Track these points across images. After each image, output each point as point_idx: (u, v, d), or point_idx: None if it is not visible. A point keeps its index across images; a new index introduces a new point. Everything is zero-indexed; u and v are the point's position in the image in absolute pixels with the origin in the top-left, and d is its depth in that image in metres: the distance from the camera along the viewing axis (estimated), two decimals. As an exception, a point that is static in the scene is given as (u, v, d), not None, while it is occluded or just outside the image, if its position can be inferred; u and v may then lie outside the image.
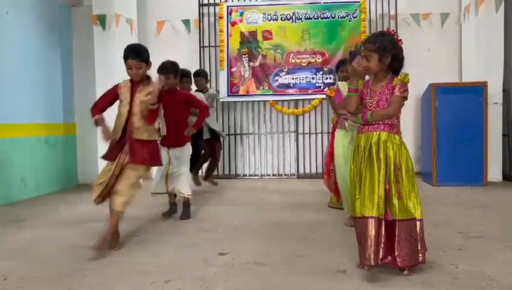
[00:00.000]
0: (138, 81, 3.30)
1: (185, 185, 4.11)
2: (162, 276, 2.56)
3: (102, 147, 6.09)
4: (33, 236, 3.67)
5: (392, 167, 2.49)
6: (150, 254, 3.05)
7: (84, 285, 2.47)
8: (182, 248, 3.20)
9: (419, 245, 2.47)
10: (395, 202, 2.47)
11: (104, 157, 3.32)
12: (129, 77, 3.34)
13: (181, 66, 4.45)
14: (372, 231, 2.41)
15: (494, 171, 6.21)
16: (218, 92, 7.23)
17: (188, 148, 4.23)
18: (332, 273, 2.57)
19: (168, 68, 4.04)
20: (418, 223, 2.50)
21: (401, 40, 2.61)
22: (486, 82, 5.98)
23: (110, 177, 3.22)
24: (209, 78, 6.48)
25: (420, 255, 2.48)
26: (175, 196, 4.30)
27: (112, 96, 3.37)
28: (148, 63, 3.30)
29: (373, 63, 2.55)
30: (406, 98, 2.57)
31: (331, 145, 4.37)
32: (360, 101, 2.69)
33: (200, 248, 3.16)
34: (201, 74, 5.71)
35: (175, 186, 4.10)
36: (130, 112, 3.26)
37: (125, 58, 3.26)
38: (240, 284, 2.40)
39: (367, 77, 2.80)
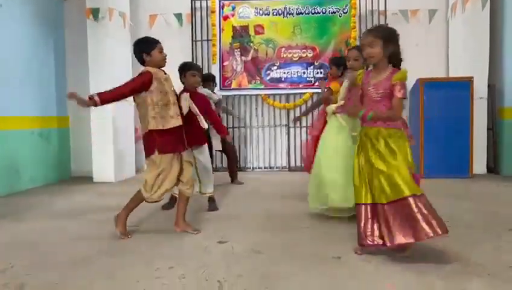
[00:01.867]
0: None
1: (208, 184, 4.24)
2: (164, 263, 2.67)
3: (97, 140, 6.27)
4: (33, 227, 3.74)
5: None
6: (150, 244, 3.14)
7: (89, 273, 2.56)
8: (181, 237, 3.30)
9: None
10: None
11: (168, 150, 3.29)
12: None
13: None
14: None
15: (479, 164, 6.42)
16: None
17: (206, 147, 4.25)
18: (328, 259, 2.70)
19: (200, 67, 4.27)
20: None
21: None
22: (472, 77, 6.16)
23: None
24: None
25: None
26: None
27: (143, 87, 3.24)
28: None
29: (377, 50, 2.68)
30: (405, 97, 2.70)
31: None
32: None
33: (198, 237, 3.27)
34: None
35: (200, 186, 4.24)
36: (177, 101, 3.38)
37: (156, 42, 3.30)
38: (241, 271, 2.52)
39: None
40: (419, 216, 2.52)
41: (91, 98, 3.05)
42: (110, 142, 6.35)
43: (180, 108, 3.46)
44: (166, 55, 3.34)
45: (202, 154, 4.14)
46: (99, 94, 3.07)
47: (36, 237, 3.41)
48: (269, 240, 3.18)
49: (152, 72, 3.22)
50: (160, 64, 3.32)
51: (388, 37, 2.70)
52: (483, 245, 2.95)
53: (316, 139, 4.24)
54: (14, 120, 5.60)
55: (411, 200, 2.55)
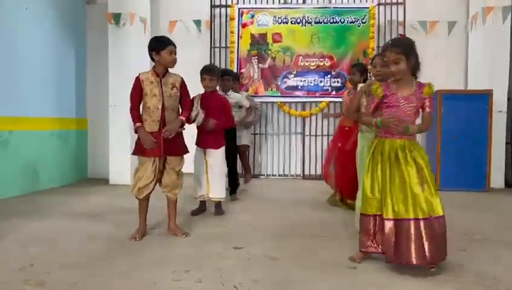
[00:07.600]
0: (163, 73, 3.37)
1: (215, 189, 4.23)
2: (181, 267, 2.69)
3: (115, 143, 6.35)
4: (51, 227, 3.80)
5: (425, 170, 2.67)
6: (166, 247, 3.18)
7: (107, 273, 2.60)
8: (197, 242, 3.33)
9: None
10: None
11: (145, 153, 3.37)
12: (145, 70, 3.43)
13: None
14: (412, 231, 2.58)
15: (497, 177, 6.34)
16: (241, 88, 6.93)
17: (222, 151, 4.27)
18: (343, 268, 2.70)
19: (213, 70, 4.25)
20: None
21: None
22: (492, 90, 6.11)
23: (156, 174, 3.40)
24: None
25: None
26: None
27: (139, 92, 3.34)
28: None
29: (402, 66, 2.68)
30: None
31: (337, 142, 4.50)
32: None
33: (214, 243, 3.29)
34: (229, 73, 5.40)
35: (208, 188, 4.23)
36: (163, 105, 3.33)
37: (166, 44, 3.31)
38: (257, 275, 2.53)
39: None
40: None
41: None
42: (128, 145, 6.40)
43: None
44: (175, 58, 3.35)
45: (211, 157, 4.19)
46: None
47: (55, 236, 3.47)
48: (284, 247, 3.19)
49: (140, 77, 3.35)
50: (168, 65, 3.36)
51: (410, 51, 2.70)
52: (501, 259, 2.92)
53: (336, 150, 4.39)
54: (34, 121, 5.71)
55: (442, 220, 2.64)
